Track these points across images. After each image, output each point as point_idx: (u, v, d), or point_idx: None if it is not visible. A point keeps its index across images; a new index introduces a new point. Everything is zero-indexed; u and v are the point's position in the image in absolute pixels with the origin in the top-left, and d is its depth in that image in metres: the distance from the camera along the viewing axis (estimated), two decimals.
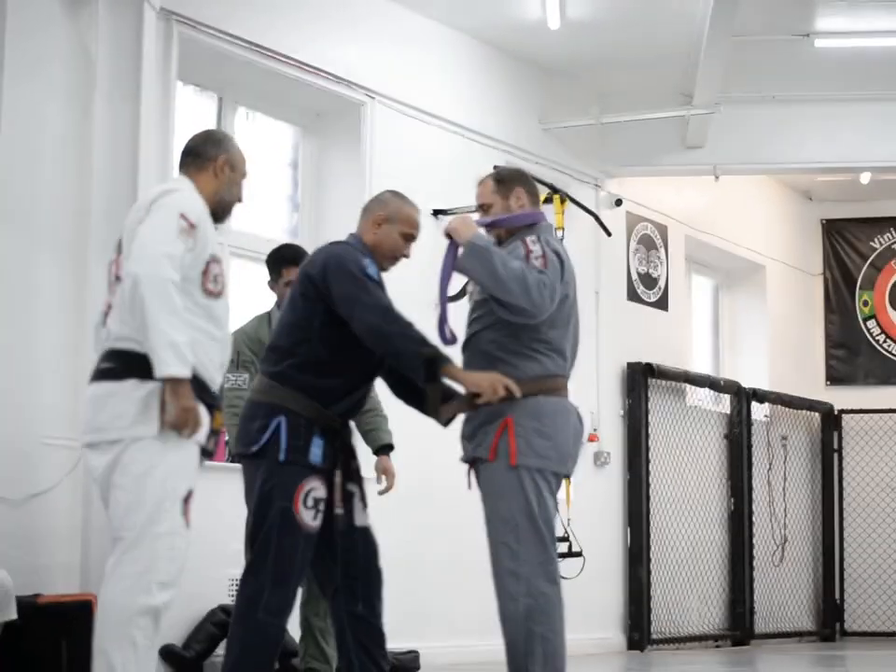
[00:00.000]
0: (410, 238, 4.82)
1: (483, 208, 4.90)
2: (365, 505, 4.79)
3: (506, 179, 4.87)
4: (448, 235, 4.73)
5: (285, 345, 4.67)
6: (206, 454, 4.31)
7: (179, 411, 4.04)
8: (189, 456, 4.18)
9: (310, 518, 4.57)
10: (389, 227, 4.77)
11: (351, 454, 4.79)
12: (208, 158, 4.39)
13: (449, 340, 4.72)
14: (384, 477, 5.87)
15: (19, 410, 6.36)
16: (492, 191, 4.86)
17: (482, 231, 4.73)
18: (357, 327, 4.54)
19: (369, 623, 4.75)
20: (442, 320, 4.73)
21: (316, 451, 4.58)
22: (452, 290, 4.84)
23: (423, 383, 4.51)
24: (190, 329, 4.12)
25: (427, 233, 9.06)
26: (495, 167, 8.95)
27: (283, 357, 4.65)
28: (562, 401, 4.70)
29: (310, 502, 4.56)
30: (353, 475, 4.77)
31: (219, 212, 4.39)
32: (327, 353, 4.61)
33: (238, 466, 4.84)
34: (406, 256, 4.86)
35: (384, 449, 5.89)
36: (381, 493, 5.76)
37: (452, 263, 4.69)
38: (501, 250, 4.61)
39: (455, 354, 4.80)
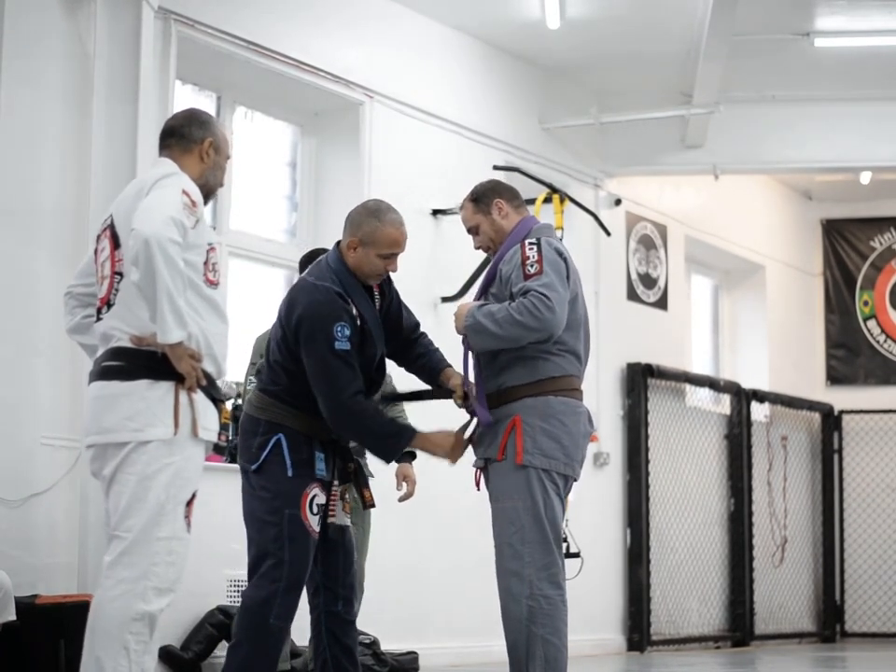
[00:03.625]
0: (391, 256, 4.72)
1: (471, 231, 4.91)
2: (346, 502, 4.81)
3: (481, 196, 4.87)
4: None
5: (277, 377, 4.67)
6: (218, 449, 4.27)
7: (190, 368, 4.02)
8: (196, 458, 4.13)
9: (315, 523, 4.62)
10: (364, 250, 4.67)
11: (346, 458, 4.81)
12: (194, 140, 4.29)
13: (486, 422, 4.70)
14: (404, 483, 5.90)
15: (18, 410, 6.36)
16: (473, 213, 4.87)
17: (475, 305, 4.69)
18: (321, 409, 4.58)
19: (346, 621, 4.77)
20: (477, 404, 4.72)
21: (321, 465, 4.64)
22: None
23: (386, 464, 4.83)
24: (201, 321, 4.09)
25: (427, 233, 9.19)
26: (494, 167, 8.99)
27: (277, 380, 4.67)
28: (572, 402, 4.68)
29: (315, 508, 4.61)
30: (348, 478, 4.81)
31: (204, 195, 4.28)
32: None
33: (236, 466, 4.85)
34: (392, 270, 4.78)
35: (405, 456, 5.88)
36: (401, 499, 5.85)
37: (466, 352, 4.77)
38: (489, 308, 4.60)
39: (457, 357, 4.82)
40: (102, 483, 4.16)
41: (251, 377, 5.56)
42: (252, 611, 4.54)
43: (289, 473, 4.56)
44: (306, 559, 4.59)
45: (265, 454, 4.58)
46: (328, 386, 4.54)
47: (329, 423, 4.60)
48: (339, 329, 4.56)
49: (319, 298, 4.61)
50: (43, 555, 6.36)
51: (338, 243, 4.78)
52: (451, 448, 4.69)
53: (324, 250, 6.23)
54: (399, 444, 4.65)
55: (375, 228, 4.66)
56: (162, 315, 3.91)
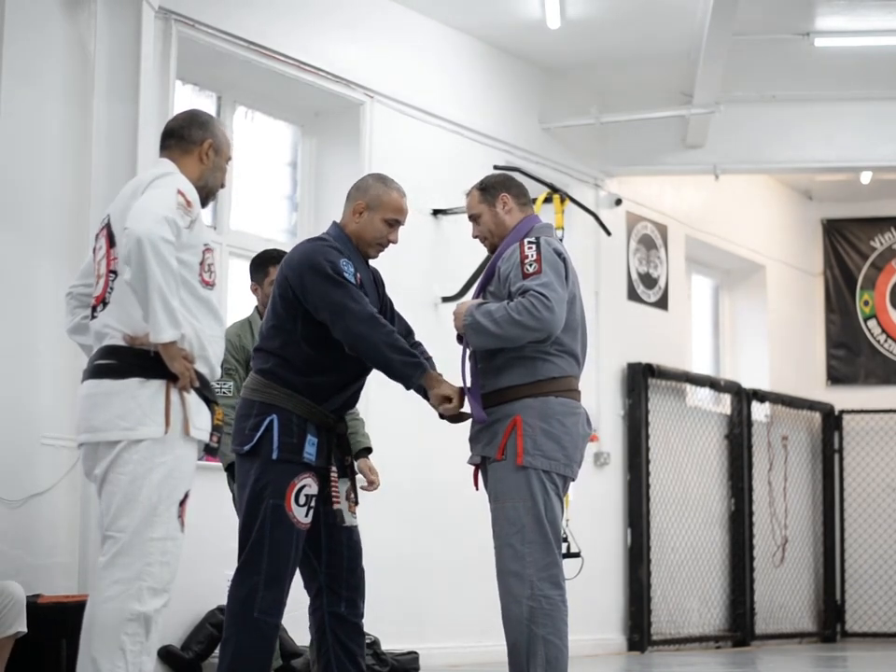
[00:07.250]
0: (394, 223, 4.76)
1: (472, 219, 4.91)
2: (355, 503, 4.77)
3: (489, 187, 4.88)
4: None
5: (271, 347, 4.64)
6: (210, 450, 4.26)
7: (183, 368, 4.02)
8: (188, 457, 4.12)
9: (301, 515, 4.55)
10: (370, 214, 4.72)
11: (345, 450, 4.78)
12: (193, 142, 4.29)
13: (480, 420, 4.67)
14: (370, 477, 5.84)
15: (18, 410, 6.36)
16: (478, 201, 4.87)
17: (474, 304, 4.67)
18: (340, 333, 4.53)
19: (350, 622, 4.72)
20: (473, 401, 4.69)
21: (310, 449, 4.57)
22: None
23: (407, 388, 4.65)
24: (196, 322, 4.09)
25: (427, 233, 9.20)
26: (494, 167, 8.99)
27: (271, 356, 4.64)
28: (572, 403, 4.68)
29: (302, 499, 4.54)
30: (345, 472, 4.76)
31: (203, 197, 4.29)
32: (313, 352, 4.59)
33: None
34: (393, 241, 4.80)
35: (362, 453, 5.87)
36: (365, 489, 5.76)
37: (464, 351, 4.75)
38: (487, 307, 4.58)
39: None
40: (94, 482, 4.16)
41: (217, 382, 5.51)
42: (236, 607, 4.50)
43: (273, 456, 4.50)
44: (288, 552, 4.51)
45: (258, 435, 4.52)
46: (350, 304, 4.48)
47: (354, 347, 4.52)
48: (343, 263, 4.59)
49: (317, 245, 4.67)
50: (43, 555, 6.36)
51: (334, 222, 4.81)
52: (453, 403, 4.60)
53: (275, 250, 6.27)
54: (418, 369, 4.55)
55: (383, 191, 4.75)
56: (155, 315, 3.91)
